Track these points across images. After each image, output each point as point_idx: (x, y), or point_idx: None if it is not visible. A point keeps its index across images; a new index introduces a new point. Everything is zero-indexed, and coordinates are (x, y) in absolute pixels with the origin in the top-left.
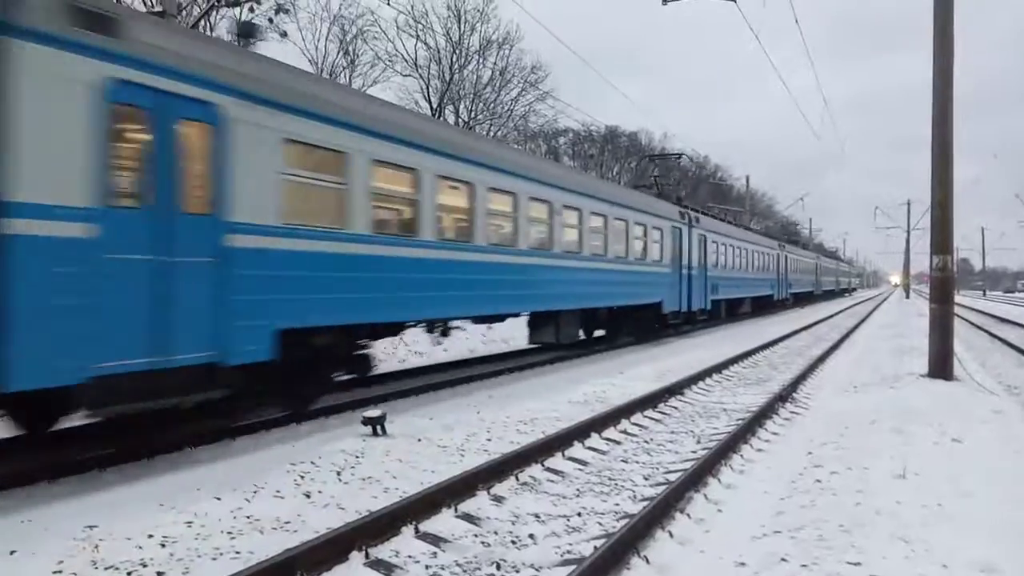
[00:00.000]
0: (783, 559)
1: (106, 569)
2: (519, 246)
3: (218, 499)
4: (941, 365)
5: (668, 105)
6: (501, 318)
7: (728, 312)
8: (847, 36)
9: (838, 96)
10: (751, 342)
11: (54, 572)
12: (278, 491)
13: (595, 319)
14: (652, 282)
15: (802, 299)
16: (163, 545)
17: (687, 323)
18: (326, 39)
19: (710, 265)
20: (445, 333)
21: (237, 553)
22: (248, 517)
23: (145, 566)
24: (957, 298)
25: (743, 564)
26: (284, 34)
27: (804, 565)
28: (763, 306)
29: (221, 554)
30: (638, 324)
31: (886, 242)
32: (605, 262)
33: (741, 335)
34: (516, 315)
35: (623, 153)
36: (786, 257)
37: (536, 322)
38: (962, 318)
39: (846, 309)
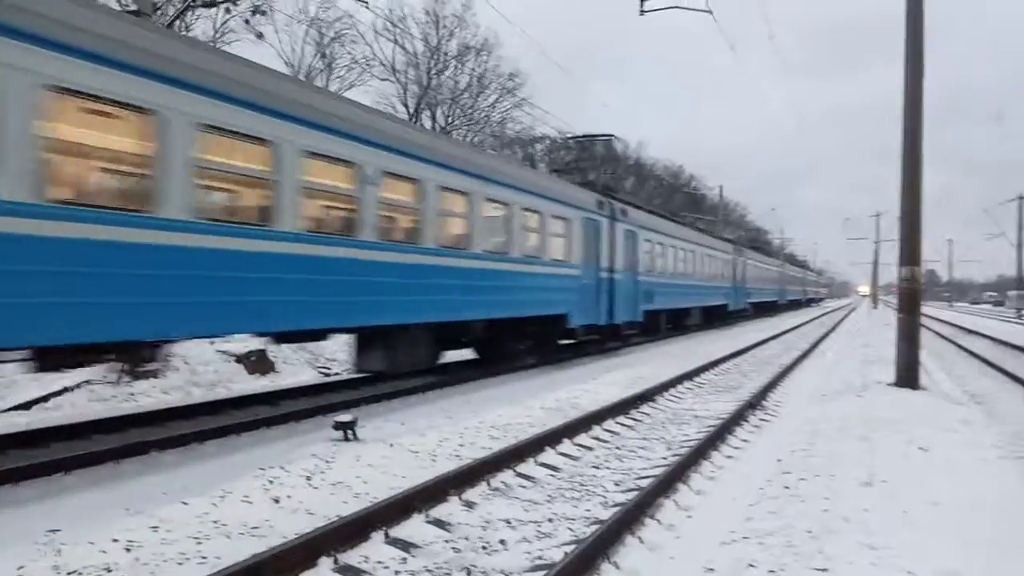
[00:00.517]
0: (751, 565)
1: (69, 574)
2: (283, 227)
3: (185, 504)
4: (908, 374)
5: (644, 114)
6: (315, 335)
7: (671, 325)
8: (821, 49)
9: (812, 108)
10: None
11: None
12: (246, 496)
13: (467, 336)
14: (551, 287)
15: (765, 309)
16: (128, 550)
17: (612, 338)
18: (303, 42)
19: (643, 268)
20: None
21: (204, 558)
22: (215, 522)
23: (109, 571)
24: (924, 309)
25: (712, 570)
26: (260, 35)
27: (772, 571)
28: (717, 317)
29: (187, 559)
30: (537, 341)
31: (856, 253)
32: (470, 259)
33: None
34: (330, 332)
35: (598, 161)
36: (744, 263)
37: (364, 341)
38: (929, 328)
39: (812, 320)
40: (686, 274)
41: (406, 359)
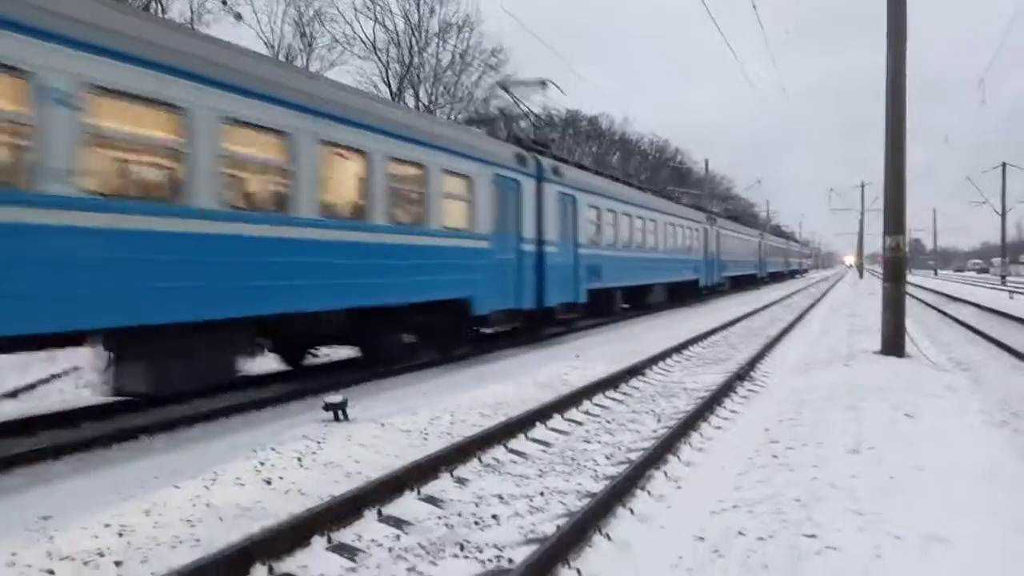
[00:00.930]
0: (741, 533)
1: (61, 560)
2: None
3: (176, 487)
4: (894, 342)
5: (630, 90)
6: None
7: (629, 304)
8: (807, 21)
9: (798, 81)
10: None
11: (7, 565)
12: (238, 478)
13: (318, 331)
14: (444, 265)
15: (744, 284)
16: (121, 534)
17: (545, 324)
18: (282, 21)
19: (585, 239)
20: None
21: (197, 541)
22: (207, 504)
23: (102, 556)
24: (909, 277)
25: (702, 539)
26: (239, 16)
27: (761, 539)
28: (689, 294)
29: (180, 542)
30: (431, 334)
31: (841, 223)
32: (299, 227)
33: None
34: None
35: (583, 137)
36: (717, 233)
37: (123, 350)
38: (914, 296)
39: (796, 292)
40: (645, 246)
41: (190, 373)
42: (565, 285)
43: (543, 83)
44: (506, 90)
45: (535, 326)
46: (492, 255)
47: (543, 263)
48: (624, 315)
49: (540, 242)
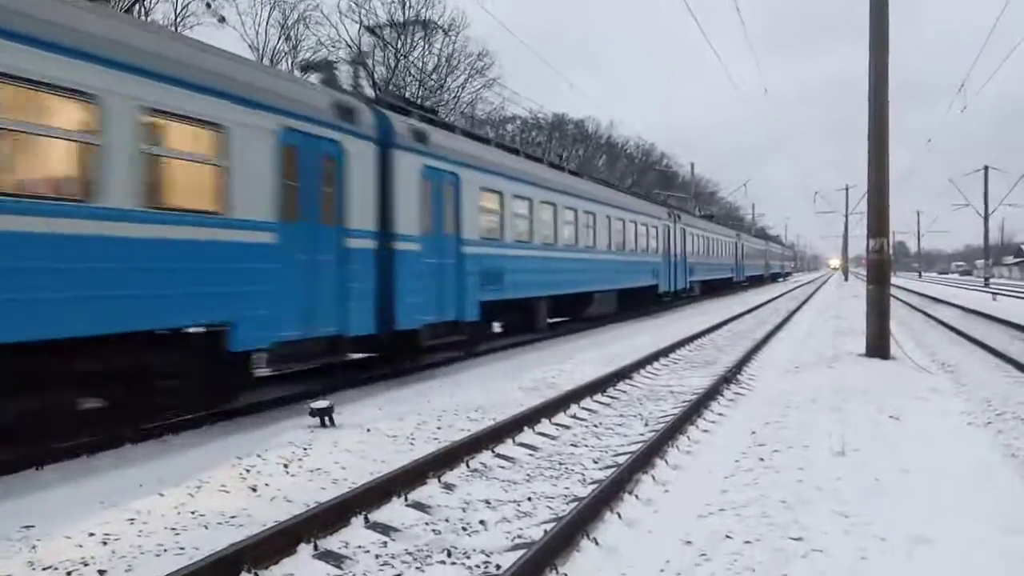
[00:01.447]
0: (728, 536)
1: (44, 569)
2: None
3: (161, 495)
4: (878, 345)
5: (616, 92)
6: None
7: (567, 315)
8: (789, 25)
9: (781, 84)
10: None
11: None
12: (223, 485)
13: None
14: (164, 271)
15: (719, 289)
16: (104, 543)
17: (400, 355)
18: (267, 24)
19: (476, 233)
20: None
21: (181, 549)
22: (192, 512)
23: (86, 565)
24: (893, 279)
25: (689, 542)
26: (222, 19)
27: (748, 541)
28: (649, 301)
29: (165, 550)
30: (154, 388)
31: (826, 226)
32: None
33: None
34: None
35: (570, 141)
36: (683, 231)
37: None
38: (898, 299)
39: (779, 296)
40: (579, 244)
41: None
42: (440, 296)
43: (424, 24)
44: (373, 33)
45: (388, 357)
46: (280, 255)
47: (392, 267)
48: (554, 330)
49: (387, 236)
